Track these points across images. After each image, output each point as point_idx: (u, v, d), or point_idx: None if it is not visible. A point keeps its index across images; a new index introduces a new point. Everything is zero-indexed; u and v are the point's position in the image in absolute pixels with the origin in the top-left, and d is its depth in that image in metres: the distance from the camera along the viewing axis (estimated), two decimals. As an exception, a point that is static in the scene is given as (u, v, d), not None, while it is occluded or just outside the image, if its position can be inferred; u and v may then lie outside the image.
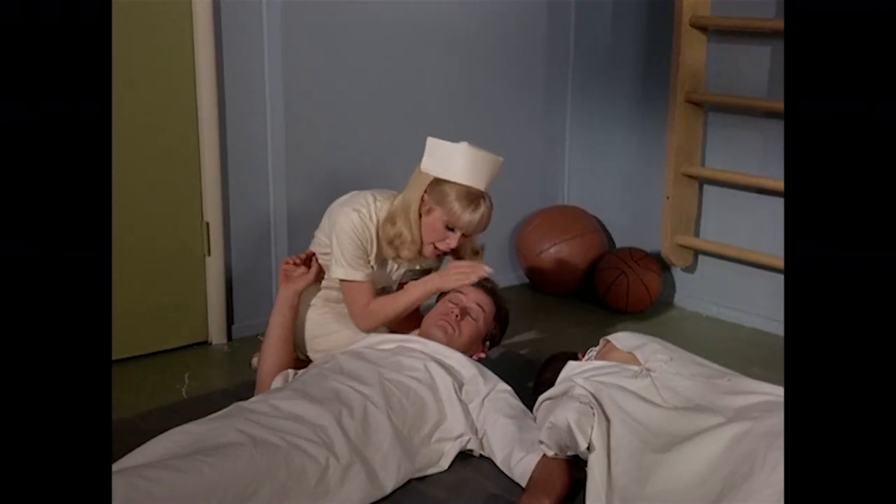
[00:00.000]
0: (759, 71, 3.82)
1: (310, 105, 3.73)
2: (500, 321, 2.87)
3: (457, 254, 2.86)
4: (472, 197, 2.67)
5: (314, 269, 2.88)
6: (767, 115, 3.82)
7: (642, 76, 4.31)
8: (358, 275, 2.77)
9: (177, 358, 3.51)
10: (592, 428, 2.15)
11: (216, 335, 3.66)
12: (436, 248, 2.77)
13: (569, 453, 2.21)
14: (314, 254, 2.90)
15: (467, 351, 2.72)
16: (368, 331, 2.82)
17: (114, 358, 3.01)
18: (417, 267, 2.97)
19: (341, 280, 2.81)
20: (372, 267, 2.80)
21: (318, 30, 3.69)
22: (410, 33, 3.98)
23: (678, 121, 3.97)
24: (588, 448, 2.13)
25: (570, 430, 2.13)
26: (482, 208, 2.69)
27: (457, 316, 2.73)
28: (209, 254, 3.58)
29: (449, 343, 2.67)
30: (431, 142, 2.72)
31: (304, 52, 3.67)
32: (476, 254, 2.90)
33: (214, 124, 3.48)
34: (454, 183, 2.66)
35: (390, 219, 2.75)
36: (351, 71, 3.83)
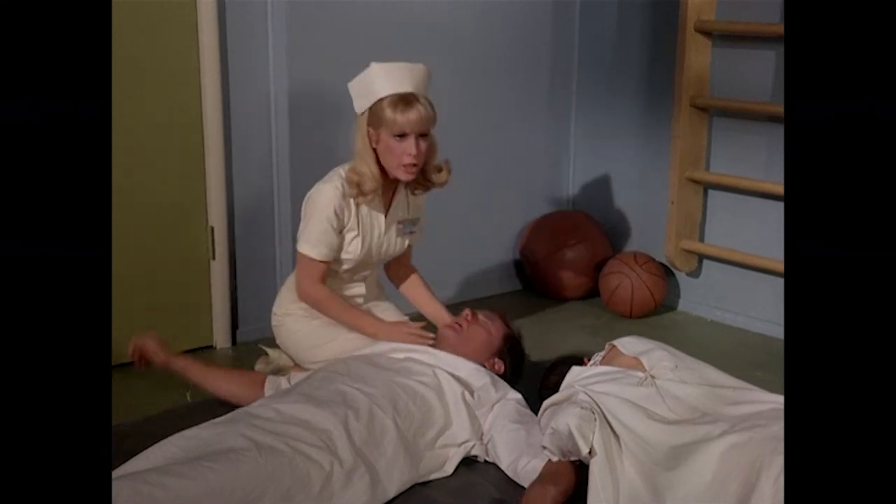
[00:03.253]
0: (764, 76, 3.81)
1: (315, 108, 3.73)
2: (513, 351, 2.84)
3: (423, 171, 2.90)
4: (405, 100, 2.74)
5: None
6: (772, 119, 3.81)
7: (647, 81, 4.30)
8: (314, 252, 2.83)
9: (182, 362, 3.51)
10: (594, 433, 2.15)
11: (221, 339, 3.66)
12: (403, 166, 2.80)
13: (572, 458, 2.21)
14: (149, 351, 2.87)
15: (477, 357, 2.71)
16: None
17: (119, 362, 3.01)
18: (408, 216, 3.03)
19: (299, 253, 2.87)
20: (346, 258, 2.88)
21: (323, 32, 3.69)
22: (415, 35, 3.98)
23: (683, 125, 3.97)
24: (590, 453, 2.13)
25: (571, 435, 2.13)
26: (417, 105, 2.75)
27: (467, 318, 2.78)
28: (214, 258, 3.59)
29: (458, 344, 2.69)
30: (350, 85, 2.84)
31: (310, 54, 3.67)
32: (440, 171, 2.95)
33: (219, 127, 3.48)
34: (383, 98, 2.74)
35: (353, 169, 2.84)
36: (356, 72, 3.83)
